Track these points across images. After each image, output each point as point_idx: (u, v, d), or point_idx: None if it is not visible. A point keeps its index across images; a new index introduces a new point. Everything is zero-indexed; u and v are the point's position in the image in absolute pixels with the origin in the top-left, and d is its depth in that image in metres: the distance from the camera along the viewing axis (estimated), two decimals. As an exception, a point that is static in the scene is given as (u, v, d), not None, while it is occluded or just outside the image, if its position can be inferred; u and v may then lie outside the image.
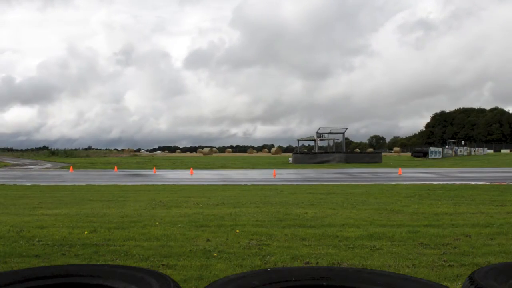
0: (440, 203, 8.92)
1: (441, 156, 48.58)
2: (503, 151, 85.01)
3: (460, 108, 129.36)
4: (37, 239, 5.52)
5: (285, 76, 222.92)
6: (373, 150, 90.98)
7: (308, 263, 4.42)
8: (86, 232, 5.92)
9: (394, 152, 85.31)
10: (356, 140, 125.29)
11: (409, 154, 63.36)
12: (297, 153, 40.58)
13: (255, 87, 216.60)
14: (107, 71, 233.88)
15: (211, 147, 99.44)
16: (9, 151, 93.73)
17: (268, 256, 4.64)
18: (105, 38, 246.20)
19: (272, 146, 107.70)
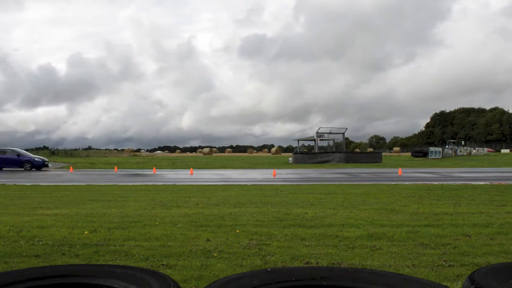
0: (440, 203, 8.92)
1: (441, 156, 48.58)
2: (503, 151, 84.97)
3: (460, 108, 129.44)
4: (37, 239, 5.52)
5: (338, 69, 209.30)
6: (373, 150, 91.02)
7: (308, 263, 4.42)
8: (86, 232, 5.92)
9: (394, 152, 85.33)
10: (356, 140, 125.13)
11: (409, 154, 63.39)
12: (297, 153, 40.59)
13: (300, 82, 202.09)
14: (138, 68, 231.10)
15: (211, 147, 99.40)
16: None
17: (268, 256, 4.64)
18: (133, 33, 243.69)
19: (272, 146, 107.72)
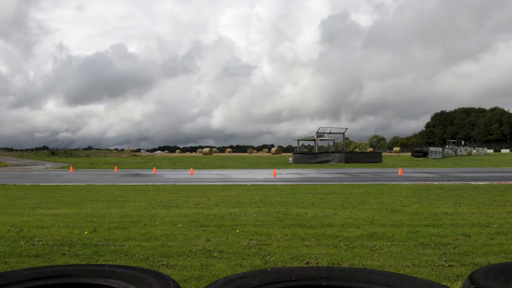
0: (440, 203, 8.92)
1: (441, 156, 48.61)
2: (503, 151, 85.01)
3: (460, 108, 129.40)
4: (37, 239, 5.52)
5: (410, 63, 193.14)
6: (373, 150, 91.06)
7: (308, 263, 4.42)
8: (86, 232, 5.92)
9: (394, 152, 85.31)
10: (356, 140, 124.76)
11: (409, 154, 63.38)
12: (297, 153, 40.58)
13: (361, 75, 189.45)
14: (179, 65, 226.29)
15: (211, 147, 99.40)
16: (9, 151, 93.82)
17: (268, 256, 4.64)
18: (171, 28, 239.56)
19: (272, 146, 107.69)
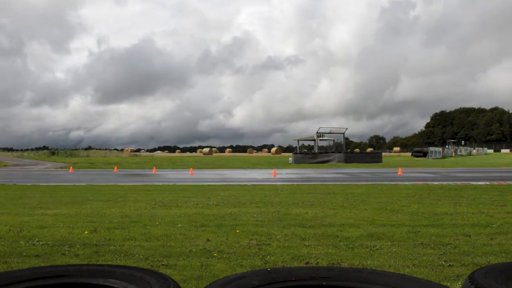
0: (440, 203, 8.92)
1: (441, 156, 48.61)
2: (503, 151, 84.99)
3: (460, 108, 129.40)
4: (37, 239, 5.52)
5: (457, 60, 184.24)
6: (373, 150, 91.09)
7: (308, 263, 4.42)
8: (86, 232, 5.92)
9: (394, 152, 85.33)
10: (356, 140, 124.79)
11: (409, 154, 63.40)
12: (297, 153, 40.59)
13: (399, 73, 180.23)
14: (203, 62, 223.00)
15: (211, 147, 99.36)
16: (9, 151, 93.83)
17: (268, 256, 4.64)
18: (196, 25, 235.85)
19: (272, 146, 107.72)
